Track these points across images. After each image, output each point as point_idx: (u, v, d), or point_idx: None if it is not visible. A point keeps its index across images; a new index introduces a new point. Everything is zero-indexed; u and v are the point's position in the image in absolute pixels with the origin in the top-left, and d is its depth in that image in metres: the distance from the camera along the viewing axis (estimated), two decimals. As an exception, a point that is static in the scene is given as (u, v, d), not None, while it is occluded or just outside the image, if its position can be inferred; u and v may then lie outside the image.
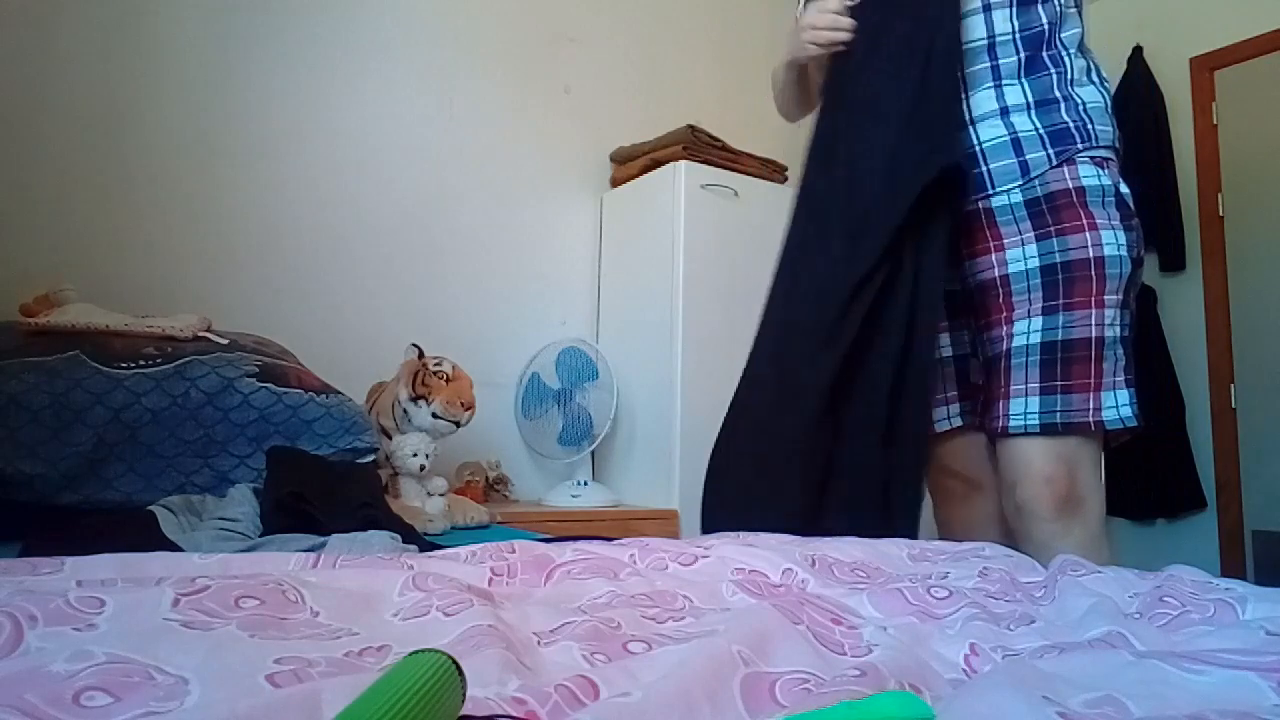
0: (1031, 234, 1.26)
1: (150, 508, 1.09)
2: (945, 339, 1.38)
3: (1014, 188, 1.27)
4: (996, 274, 1.29)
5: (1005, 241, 1.28)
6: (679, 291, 2.18)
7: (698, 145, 2.30)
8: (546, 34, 2.48)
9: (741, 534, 0.90)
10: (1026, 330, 1.24)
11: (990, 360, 1.30)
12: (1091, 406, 1.20)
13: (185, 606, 0.45)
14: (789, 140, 2.89)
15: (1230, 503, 2.99)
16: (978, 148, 1.29)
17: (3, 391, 1.15)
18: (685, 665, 0.39)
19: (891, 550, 0.84)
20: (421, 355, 1.72)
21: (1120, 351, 1.23)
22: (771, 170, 2.45)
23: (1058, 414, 1.21)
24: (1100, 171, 1.25)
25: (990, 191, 1.29)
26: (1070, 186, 1.24)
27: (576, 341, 2.25)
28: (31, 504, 1.12)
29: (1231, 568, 2.90)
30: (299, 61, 2.07)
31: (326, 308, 2.05)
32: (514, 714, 0.34)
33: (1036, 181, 1.26)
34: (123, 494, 1.18)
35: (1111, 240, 1.22)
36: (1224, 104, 3.06)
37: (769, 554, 0.74)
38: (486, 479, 2.15)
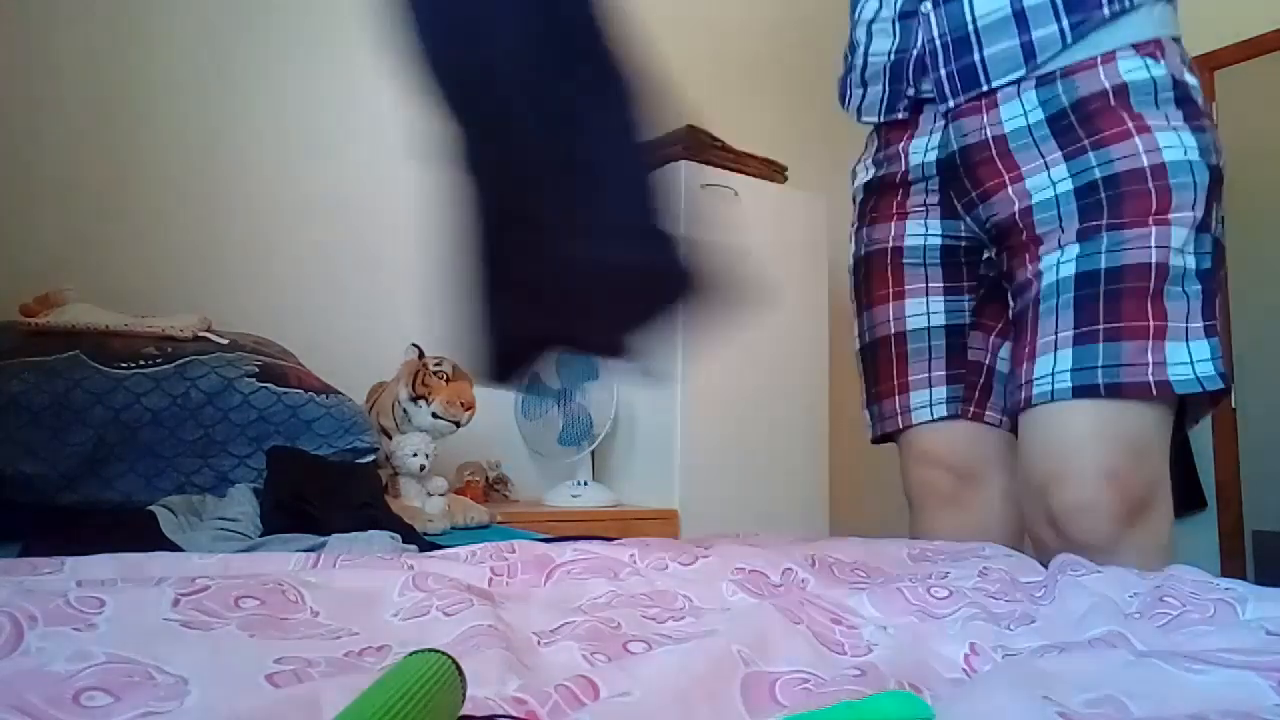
0: (1059, 154, 0.93)
1: (150, 508, 1.09)
2: (932, 303, 1.08)
3: (1018, 79, 0.95)
4: (1016, 209, 0.96)
5: (1024, 170, 0.96)
6: (679, 291, 2.18)
7: (698, 145, 2.30)
8: (546, 34, 2.48)
9: (742, 534, 0.90)
10: (1057, 262, 0.92)
11: (1016, 320, 0.99)
12: (1151, 360, 0.85)
13: (185, 606, 0.45)
14: (789, 140, 2.89)
15: (1230, 503, 2.99)
16: (970, 26, 0.97)
17: (3, 391, 1.14)
18: (685, 665, 0.39)
19: (891, 550, 0.84)
20: (421, 355, 1.72)
21: (1198, 288, 0.87)
22: (771, 170, 2.45)
23: (1099, 370, 0.86)
24: (1149, 62, 0.92)
25: (985, 87, 0.97)
26: (1106, 86, 0.91)
27: (576, 341, 2.25)
28: (31, 504, 1.12)
29: (1231, 568, 2.90)
30: (299, 61, 2.07)
31: (326, 308, 2.05)
32: (514, 714, 0.34)
33: (1059, 83, 0.93)
34: (123, 494, 1.18)
35: (1174, 143, 0.88)
36: (1224, 104, 3.06)
37: (769, 553, 0.74)
38: (486, 479, 2.15)
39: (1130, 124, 0.90)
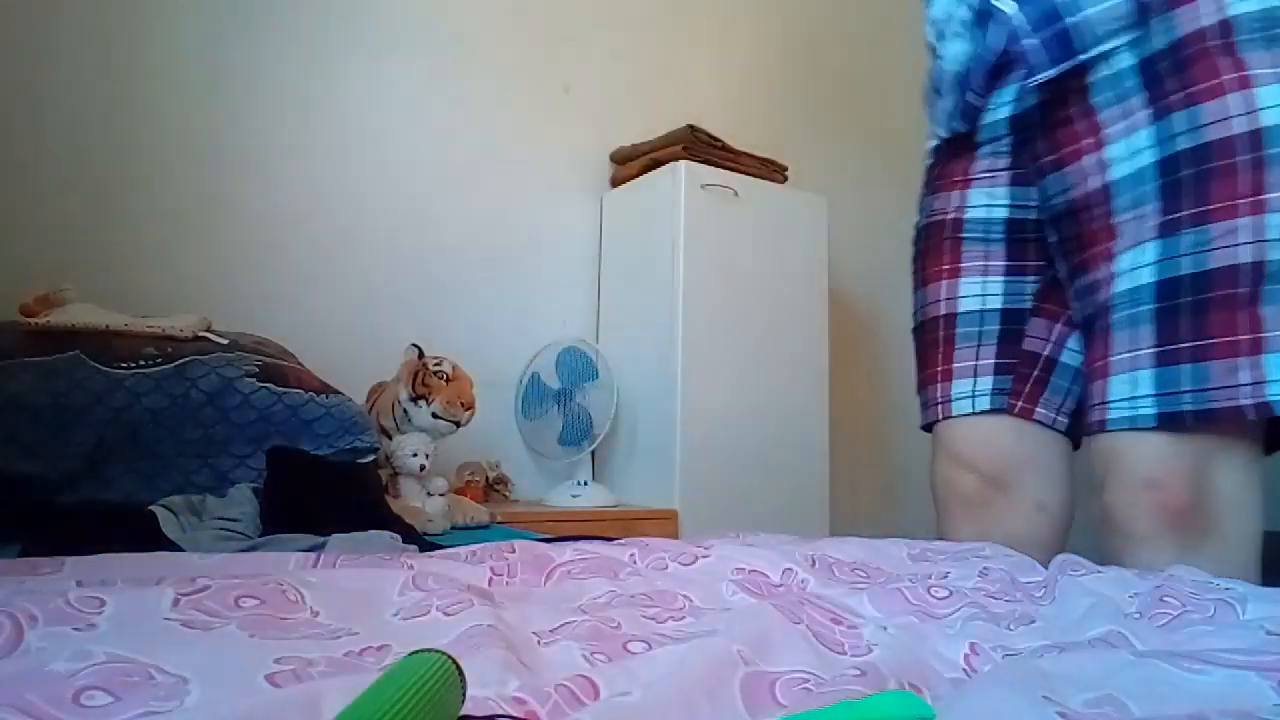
0: (1145, 111, 0.81)
1: (150, 508, 1.09)
2: (990, 284, 0.97)
3: (1124, 45, 0.81)
4: (1097, 184, 0.84)
5: (1108, 131, 0.84)
6: (679, 291, 2.18)
7: (698, 145, 2.30)
8: (546, 34, 2.48)
9: (742, 534, 0.90)
10: (1134, 265, 0.81)
11: (1088, 320, 0.89)
12: (1248, 380, 0.74)
13: (185, 606, 0.45)
14: (789, 140, 2.89)
15: (1230, 503, 2.98)
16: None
17: (3, 391, 1.14)
18: (685, 664, 0.39)
19: (891, 550, 0.84)
20: (421, 355, 1.72)
21: None
22: (771, 170, 2.45)
23: (1185, 395, 0.77)
24: None
25: (1084, 55, 0.82)
26: (1208, 24, 0.77)
27: (576, 341, 2.25)
28: (31, 504, 1.12)
29: (1231, 568, 2.89)
30: (299, 61, 2.07)
31: (326, 308, 2.05)
32: (514, 714, 0.34)
33: (1156, 21, 0.80)
34: (123, 494, 1.18)
35: (1276, 99, 0.75)
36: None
37: (769, 553, 0.74)
38: (486, 479, 2.15)
39: (1226, 75, 0.76)
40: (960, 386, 0.98)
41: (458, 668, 0.31)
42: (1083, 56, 0.83)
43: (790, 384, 2.35)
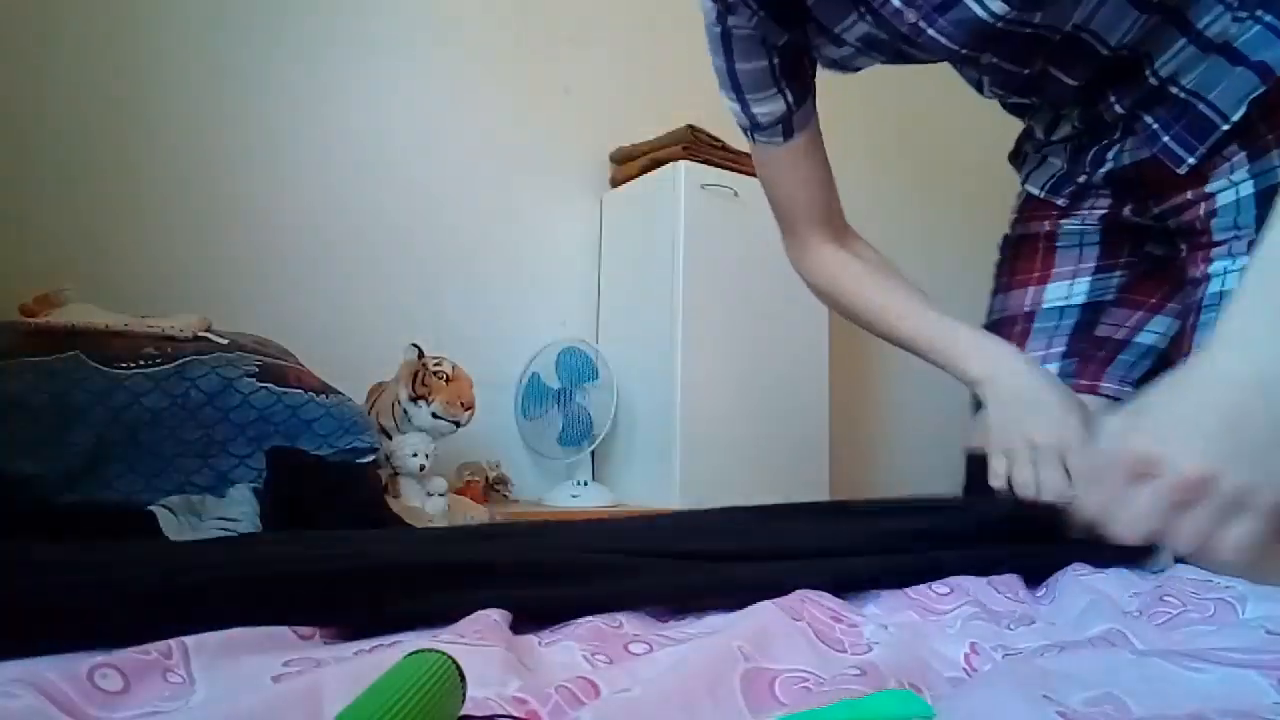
0: (1241, 153, 0.86)
1: (150, 508, 1.09)
2: (1078, 284, 1.00)
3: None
4: (1198, 213, 0.89)
5: (1208, 173, 0.88)
6: (679, 291, 2.18)
7: (698, 145, 2.30)
8: (546, 34, 2.48)
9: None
10: (1225, 271, 0.86)
11: (1184, 312, 0.94)
12: None
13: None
14: (789, 140, 2.89)
15: (1230, 502, 2.99)
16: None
17: (3, 391, 1.15)
18: (685, 661, 0.39)
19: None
20: (421, 355, 1.72)
21: None
22: (771, 170, 2.45)
23: None
24: None
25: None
26: None
27: (576, 341, 2.25)
28: (31, 504, 1.12)
29: (1231, 567, 2.90)
30: (298, 61, 2.07)
31: (326, 308, 2.05)
32: (514, 714, 0.34)
33: None
34: (123, 494, 1.18)
35: None
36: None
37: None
38: (486, 479, 2.15)
39: None
40: None
41: (458, 668, 0.31)
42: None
43: (790, 384, 2.35)
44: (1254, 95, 0.83)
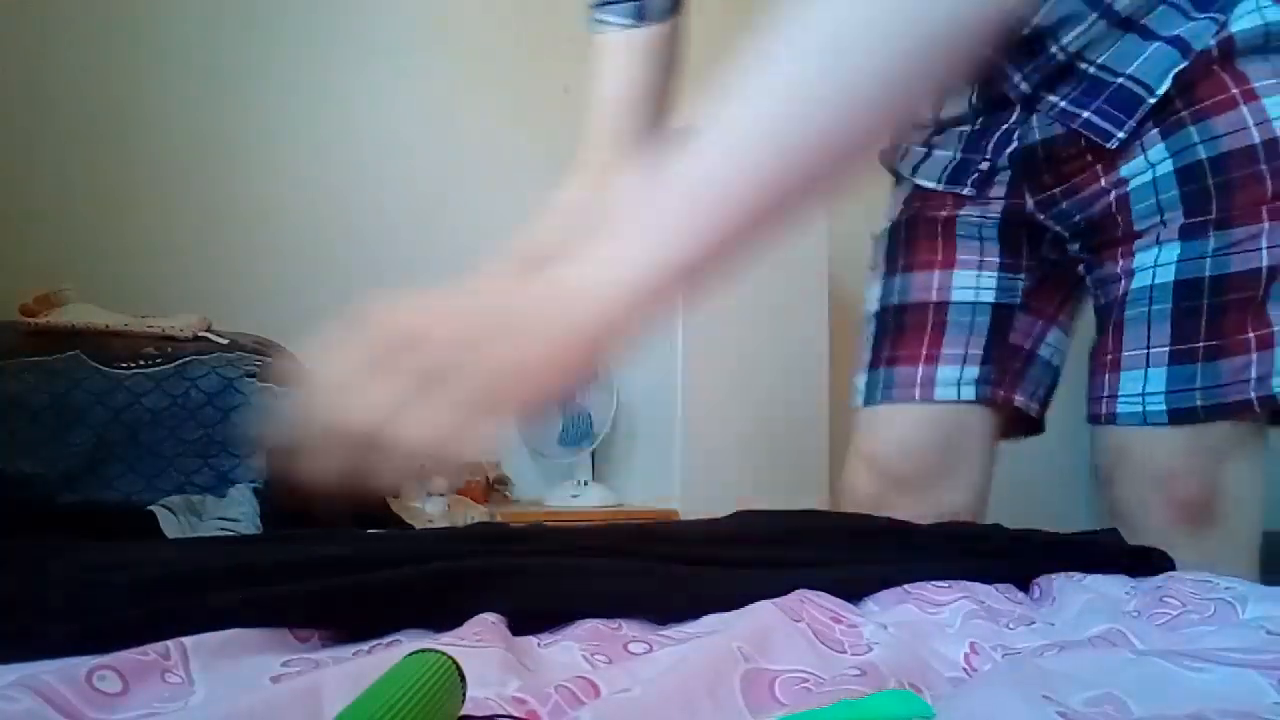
0: (1155, 130, 0.83)
1: (150, 508, 1.09)
2: (984, 278, 0.97)
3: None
4: (1110, 199, 0.87)
5: (1118, 158, 0.86)
6: (679, 291, 2.18)
7: (697, 145, 2.30)
8: (546, 34, 2.48)
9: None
10: (1154, 263, 0.83)
11: (1100, 312, 0.92)
12: (1255, 374, 0.78)
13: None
14: (789, 140, 2.89)
15: (1230, 502, 2.98)
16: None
17: (3, 391, 1.15)
18: (685, 661, 0.39)
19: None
20: (421, 355, 1.72)
21: None
22: (771, 170, 2.45)
23: (1198, 392, 0.80)
24: (1261, 1, 0.81)
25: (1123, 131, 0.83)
26: (1210, 44, 0.80)
27: (576, 341, 2.25)
28: (31, 504, 1.12)
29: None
30: (299, 61, 2.07)
31: (326, 308, 2.05)
32: (514, 714, 0.34)
33: None
34: (123, 494, 1.18)
35: None
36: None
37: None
38: (486, 479, 2.15)
39: (1235, 87, 0.79)
40: (948, 373, 0.97)
41: (458, 668, 0.31)
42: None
43: (791, 384, 2.35)
44: (1178, 69, 0.81)
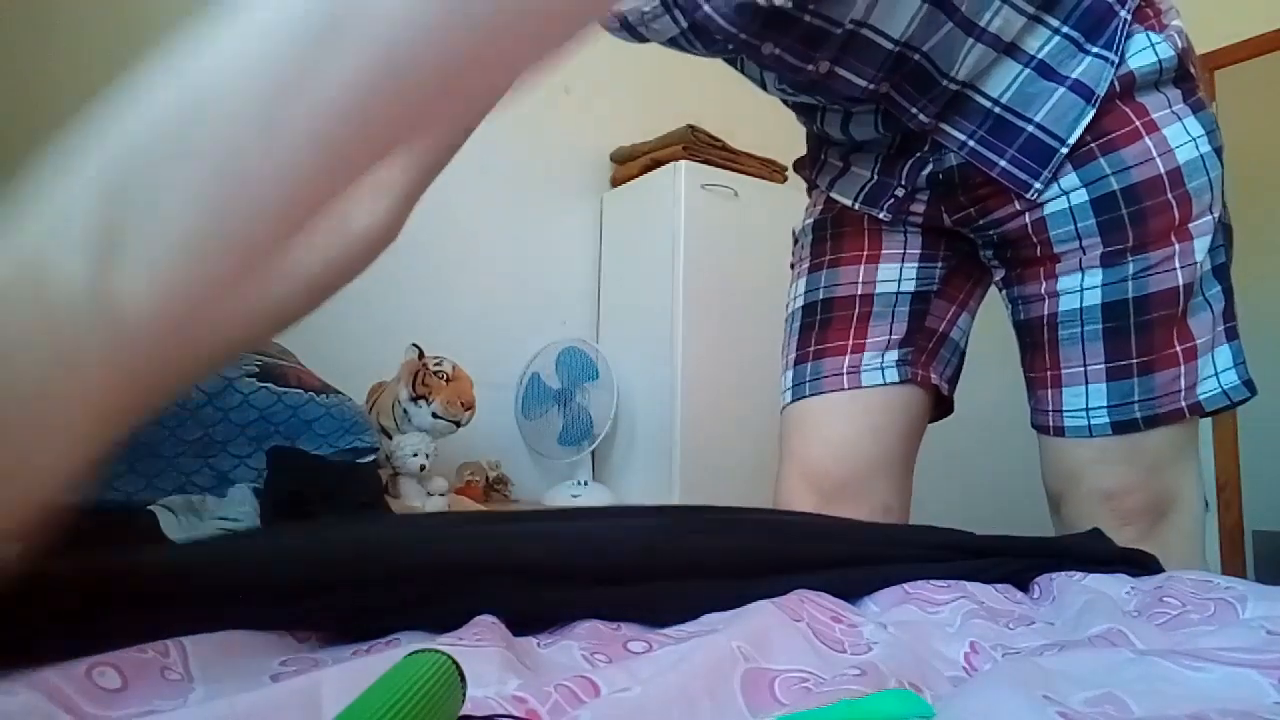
0: (1067, 163, 0.88)
1: (150, 508, 1.09)
2: (906, 269, 1.02)
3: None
4: (1026, 221, 0.91)
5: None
6: (679, 291, 2.18)
7: (698, 145, 2.30)
8: (546, 34, 2.48)
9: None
10: (1079, 287, 0.89)
11: (1024, 326, 0.96)
12: (1184, 385, 0.86)
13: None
14: (789, 140, 2.89)
15: (1230, 503, 2.99)
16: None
17: (3, 391, 1.15)
18: (685, 661, 0.39)
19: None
20: (421, 355, 1.72)
21: (1217, 289, 0.89)
22: (771, 170, 2.45)
23: (1135, 405, 0.87)
24: (1152, 38, 0.86)
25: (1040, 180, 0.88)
26: (1112, 83, 0.85)
27: (576, 341, 2.25)
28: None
29: (1232, 568, 2.90)
30: (299, 62, 2.07)
31: (326, 308, 2.05)
32: (514, 713, 0.34)
33: None
34: (123, 494, 1.18)
35: (1183, 136, 0.85)
36: (1224, 104, 3.07)
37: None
38: (486, 479, 2.15)
39: (1137, 120, 0.86)
40: (872, 358, 1.01)
41: (458, 668, 0.31)
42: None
43: (790, 384, 2.35)
44: (1087, 120, 0.85)
